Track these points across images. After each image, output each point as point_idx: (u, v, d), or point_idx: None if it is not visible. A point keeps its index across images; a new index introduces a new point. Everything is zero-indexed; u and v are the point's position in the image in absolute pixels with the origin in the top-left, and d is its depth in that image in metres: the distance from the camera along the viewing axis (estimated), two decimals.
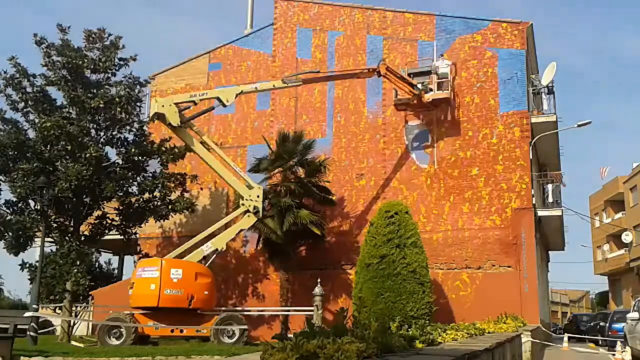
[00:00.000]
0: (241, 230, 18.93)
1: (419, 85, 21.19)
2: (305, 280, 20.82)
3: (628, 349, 14.49)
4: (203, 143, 19.09)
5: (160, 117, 18.11)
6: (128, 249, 23.08)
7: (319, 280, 17.42)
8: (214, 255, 18.29)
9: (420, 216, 21.14)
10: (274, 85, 20.49)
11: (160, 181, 21.69)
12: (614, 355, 15.59)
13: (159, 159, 21.86)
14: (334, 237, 22.88)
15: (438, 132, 22.45)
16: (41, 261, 17.98)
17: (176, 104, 18.33)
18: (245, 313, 19.53)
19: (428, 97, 21.34)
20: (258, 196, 18.63)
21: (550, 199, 23.11)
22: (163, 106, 17.97)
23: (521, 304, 19.64)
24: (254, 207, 18.50)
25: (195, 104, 18.83)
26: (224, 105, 19.23)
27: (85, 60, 20.52)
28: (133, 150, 21.05)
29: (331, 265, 22.46)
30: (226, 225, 19.23)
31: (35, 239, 19.93)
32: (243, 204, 18.64)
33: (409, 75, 21.81)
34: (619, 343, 15.27)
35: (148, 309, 16.97)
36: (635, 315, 14.88)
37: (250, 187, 18.82)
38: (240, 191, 18.87)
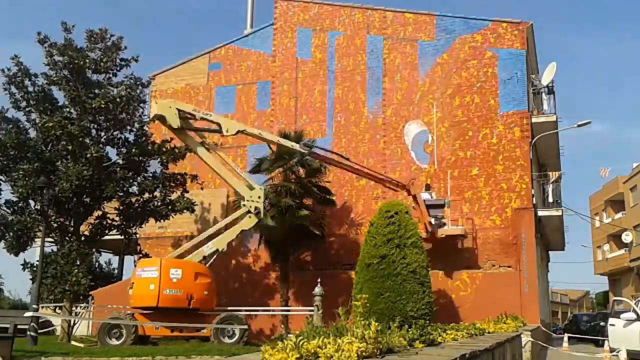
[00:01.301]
0: (242, 230, 18.92)
1: (432, 220, 19.96)
2: (305, 280, 20.85)
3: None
4: (203, 144, 19.22)
5: (160, 118, 18.29)
6: (128, 249, 23.07)
7: (319, 280, 17.45)
8: (215, 256, 18.28)
9: None
10: (278, 141, 19.84)
11: (160, 181, 21.72)
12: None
13: (159, 159, 21.87)
14: (334, 237, 22.91)
15: (438, 132, 22.47)
16: (41, 261, 17.98)
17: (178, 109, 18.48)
18: (246, 313, 19.57)
19: (442, 232, 20.32)
20: (259, 197, 18.58)
21: (550, 199, 23.15)
22: (166, 108, 18.15)
23: (521, 304, 19.67)
24: (255, 208, 18.47)
25: (196, 119, 18.88)
26: (221, 133, 19.14)
27: (87, 61, 20.52)
28: (134, 150, 21.03)
29: (331, 265, 22.49)
30: (227, 226, 19.21)
31: (36, 239, 19.94)
32: (244, 205, 18.60)
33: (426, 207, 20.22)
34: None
35: (148, 308, 17.01)
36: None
37: (251, 187, 18.82)
38: (241, 192, 18.85)
